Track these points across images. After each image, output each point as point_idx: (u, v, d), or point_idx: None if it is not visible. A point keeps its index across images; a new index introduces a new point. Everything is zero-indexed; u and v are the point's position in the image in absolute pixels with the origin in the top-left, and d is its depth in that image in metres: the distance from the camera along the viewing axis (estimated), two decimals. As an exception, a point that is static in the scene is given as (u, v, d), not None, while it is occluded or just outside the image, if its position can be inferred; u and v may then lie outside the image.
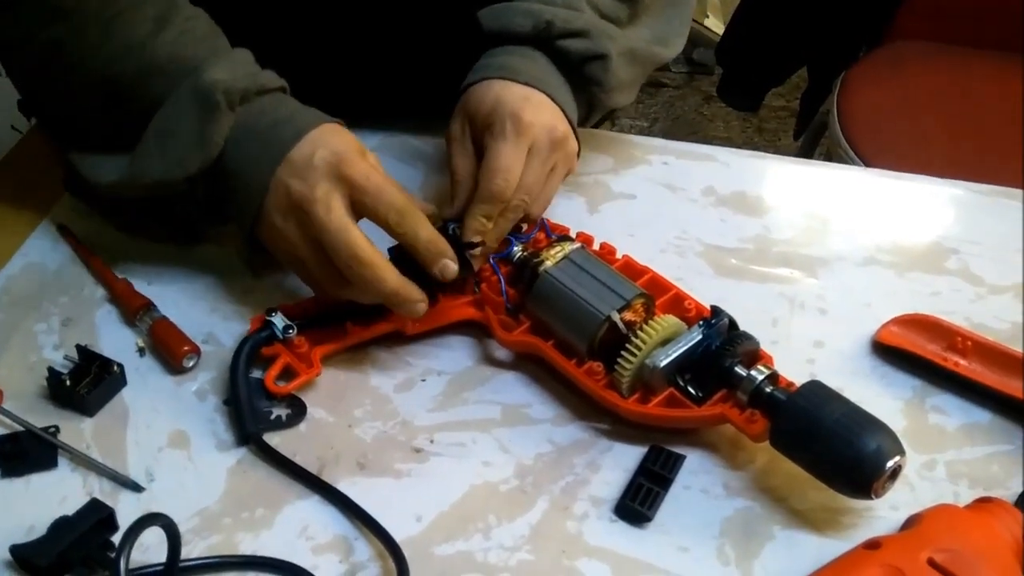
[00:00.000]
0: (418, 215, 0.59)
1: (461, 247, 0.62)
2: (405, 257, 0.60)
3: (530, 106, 0.65)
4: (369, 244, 0.58)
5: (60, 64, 0.63)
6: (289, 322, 0.61)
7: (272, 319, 0.61)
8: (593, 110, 0.73)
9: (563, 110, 0.67)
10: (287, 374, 0.61)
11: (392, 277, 0.58)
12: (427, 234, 0.59)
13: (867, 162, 1.23)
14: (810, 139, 1.52)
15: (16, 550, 0.52)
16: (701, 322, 0.59)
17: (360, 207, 0.59)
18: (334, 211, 0.58)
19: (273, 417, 0.60)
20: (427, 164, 0.77)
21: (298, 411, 0.60)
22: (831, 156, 1.31)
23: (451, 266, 0.60)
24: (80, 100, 0.64)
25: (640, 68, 0.73)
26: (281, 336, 0.61)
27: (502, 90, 0.65)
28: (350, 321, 0.63)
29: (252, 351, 0.61)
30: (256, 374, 0.61)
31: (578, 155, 0.69)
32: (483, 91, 0.66)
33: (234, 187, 0.61)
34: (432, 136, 0.79)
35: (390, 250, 0.61)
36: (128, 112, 0.62)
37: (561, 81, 0.69)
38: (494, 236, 0.64)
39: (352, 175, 0.58)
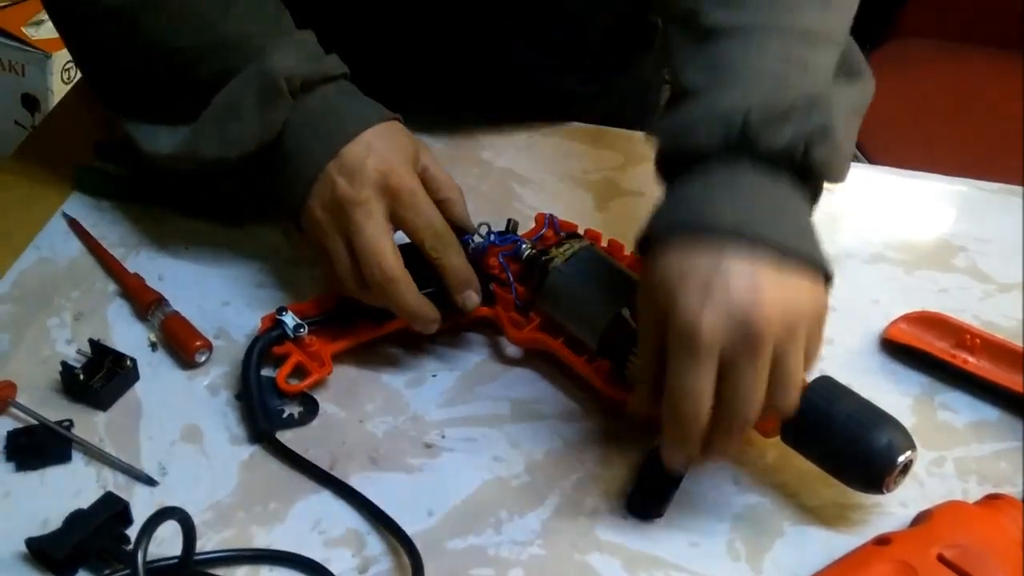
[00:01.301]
0: (454, 242, 0.60)
1: (485, 277, 0.63)
2: (420, 254, 0.60)
3: (708, 296, 0.48)
4: (397, 259, 0.59)
5: (123, 32, 0.63)
6: (300, 321, 0.61)
7: (283, 318, 0.61)
8: (817, 197, 0.55)
9: (779, 243, 0.49)
10: (299, 373, 0.61)
11: (411, 295, 0.59)
12: (458, 263, 0.60)
13: (871, 159, 1.23)
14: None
15: (32, 543, 0.52)
16: (711, 319, 0.60)
17: (400, 221, 0.60)
18: (373, 217, 0.58)
19: (285, 415, 0.60)
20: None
21: (310, 409, 0.60)
22: (835, 153, 1.31)
23: (474, 298, 0.61)
24: (142, 69, 0.64)
25: (858, 122, 0.56)
26: (292, 335, 0.61)
27: (682, 262, 0.49)
28: (361, 319, 0.63)
29: (263, 351, 0.61)
30: (268, 372, 0.61)
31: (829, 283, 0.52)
32: (665, 264, 0.50)
33: (286, 171, 0.61)
34: (454, 135, 0.79)
35: (406, 245, 0.61)
36: (191, 85, 0.62)
37: (776, 191, 0.51)
38: (717, 454, 0.52)
39: (399, 189, 0.59)
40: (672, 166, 0.54)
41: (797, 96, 0.51)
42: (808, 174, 0.52)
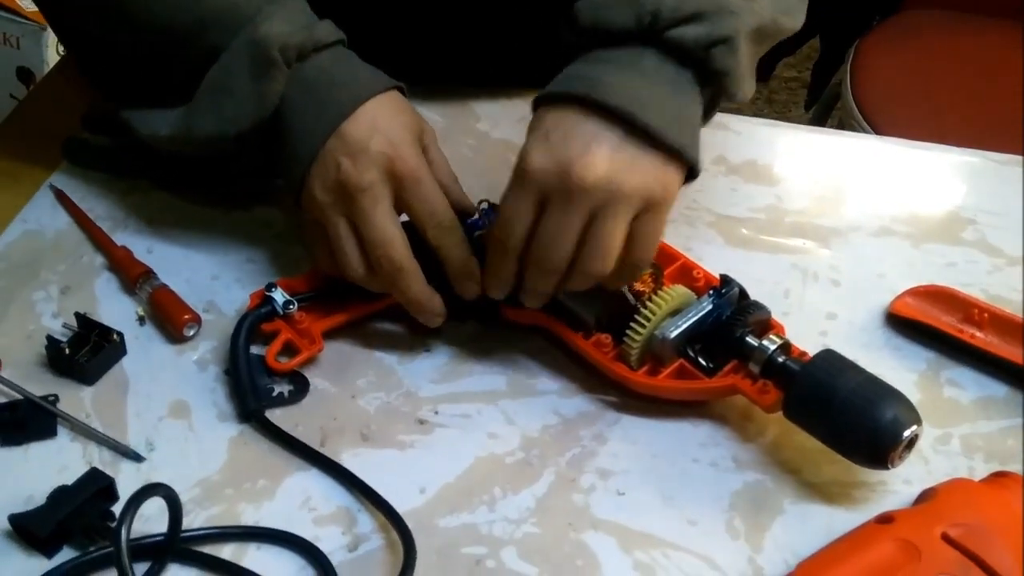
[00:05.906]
0: (457, 231, 0.58)
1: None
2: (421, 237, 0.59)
3: (547, 141, 0.54)
4: (405, 247, 0.57)
5: (109, 17, 0.61)
6: (289, 297, 0.60)
7: (272, 294, 0.60)
8: (714, 106, 0.60)
9: (659, 134, 0.54)
10: (288, 350, 0.60)
11: (419, 286, 0.58)
12: (461, 254, 0.58)
13: (880, 132, 1.21)
14: (821, 110, 1.50)
15: (15, 519, 0.51)
16: (711, 291, 0.58)
17: (404, 207, 0.58)
18: (380, 204, 0.56)
19: (275, 394, 0.58)
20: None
21: (300, 387, 0.59)
22: (843, 127, 1.29)
23: (475, 288, 0.59)
24: (135, 52, 0.62)
25: (766, 46, 0.60)
26: (282, 312, 0.60)
27: (552, 120, 0.54)
28: (352, 295, 0.61)
29: (251, 328, 0.59)
30: (258, 349, 0.60)
31: (689, 178, 0.57)
32: (538, 118, 0.56)
33: (284, 147, 0.59)
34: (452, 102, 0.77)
35: (407, 224, 0.59)
36: (184, 64, 0.60)
37: (670, 90, 0.55)
38: (533, 297, 0.57)
39: (404, 175, 0.57)
40: (588, 42, 0.58)
41: (710, 3, 0.55)
42: (709, 78, 0.57)
